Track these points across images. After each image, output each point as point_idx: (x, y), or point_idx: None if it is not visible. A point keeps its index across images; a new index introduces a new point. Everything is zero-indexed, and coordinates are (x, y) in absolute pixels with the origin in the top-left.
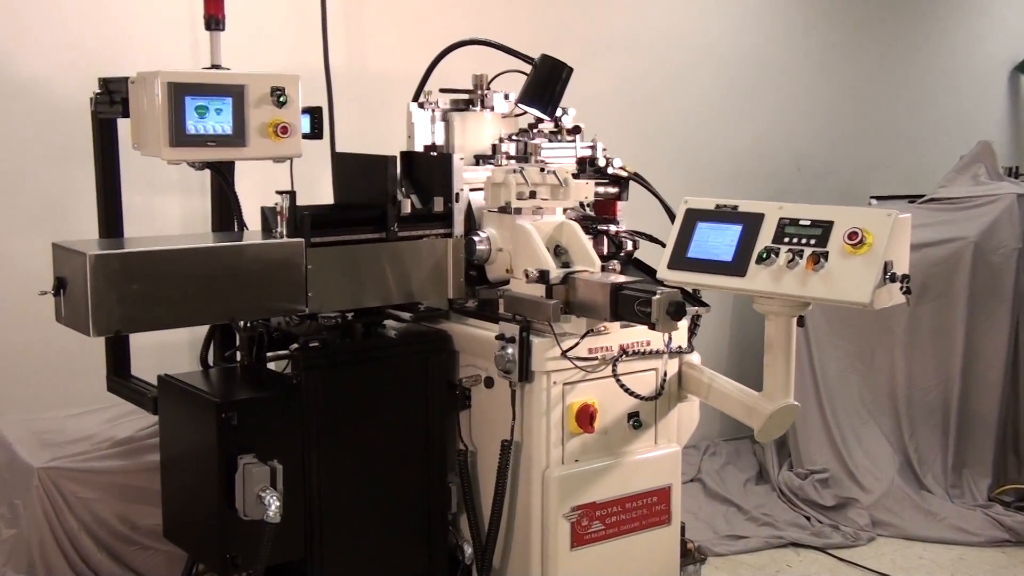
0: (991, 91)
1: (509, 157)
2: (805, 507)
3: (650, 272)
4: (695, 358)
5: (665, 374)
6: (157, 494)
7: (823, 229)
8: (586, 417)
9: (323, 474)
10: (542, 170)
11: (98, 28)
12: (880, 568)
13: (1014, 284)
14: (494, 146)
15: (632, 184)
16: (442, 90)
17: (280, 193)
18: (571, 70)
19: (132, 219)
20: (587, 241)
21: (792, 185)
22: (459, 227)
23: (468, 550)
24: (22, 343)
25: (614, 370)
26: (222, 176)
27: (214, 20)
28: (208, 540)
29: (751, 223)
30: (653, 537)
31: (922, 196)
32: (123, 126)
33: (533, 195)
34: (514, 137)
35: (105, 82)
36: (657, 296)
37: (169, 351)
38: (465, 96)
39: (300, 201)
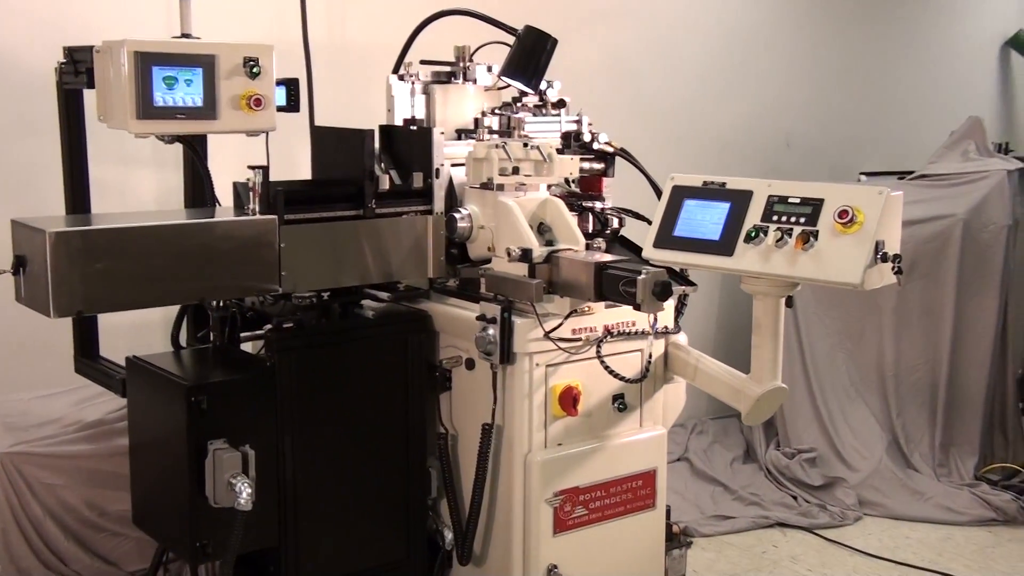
0: (981, 67)
1: (492, 131)
2: (792, 486)
3: (636, 250)
4: (682, 338)
5: (651, 356)
6: (127, 479)
7: (813, 207)
8: (569, 400)
9: (297, 460)
10: (525, 145)
11: None
12: (867, 548)
13: (1003, 262)
14: (476, 120)
15: (618, 160)
16: (423, 62)
17: (252, 168)
18: (556, 42)
19: (104, 194)
20: (572, 219)
21: (781, 161)
22: (439, 204)
23: (448, 536)
24: None
25: (598, 351)
26: (193, 150)
27: None
28: (178, 528)
29: (739, 201)
30: (638, 522)
31: (912, 172)
32: (90, 97)
33: (516, 171)
34: (497, 111)
35: (70, 51)
36: (643, 276)
37: (143, 330)
38: (447, 68)
39: (279, 177)
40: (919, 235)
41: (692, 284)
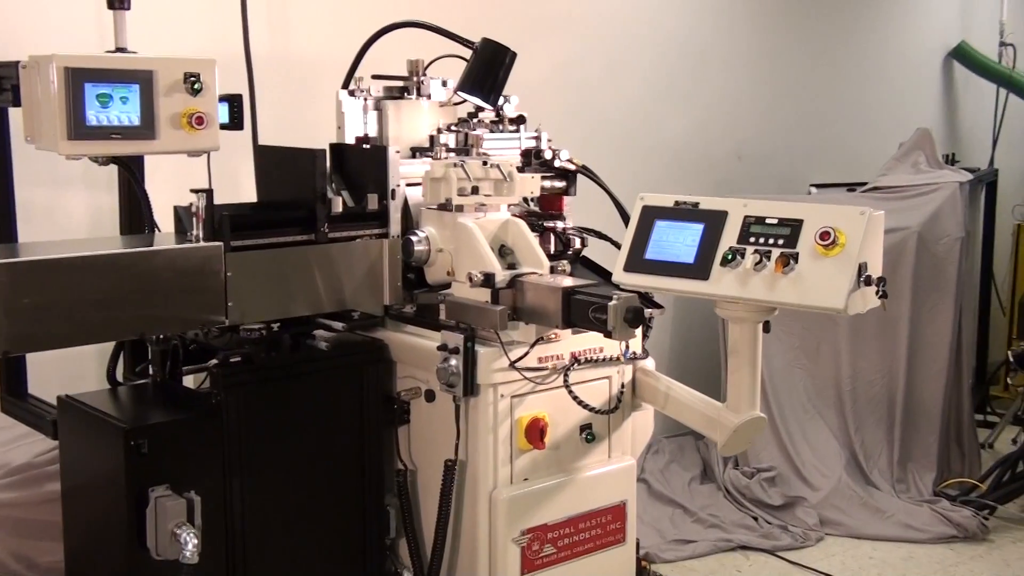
0: (926, 78)
1: (449, 149)
2: (752, 507)
3: (600, 272)
4: (649, 364)
5: (623, 385)
6: (58, 528)
7: (792, 228)
8: (536, 432)
9: (247, 505)
10: (485, 163)
11: None
12: (831, 570)
13: (957, 274)
14: (432, 137)
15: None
16: (374, 76)
17: (195, 191)
18: (515, 55)
19: (30, 219)
20: (534, 240)
21: (733, 174)
22: (395, 226)
23: None
24: None
25: (566, 380)
26: (130, 172)
27: None
28: None
29: (713, 222)
30: (608, 558)
31: (861, 184)
32: (16, 116)
33: (476, 191)
34: (453, 127)
35: None
36: (614, 302)
37: (75, 364)
38: (399, 83)
39: (219, 199)
40: None
41: (659, 306)
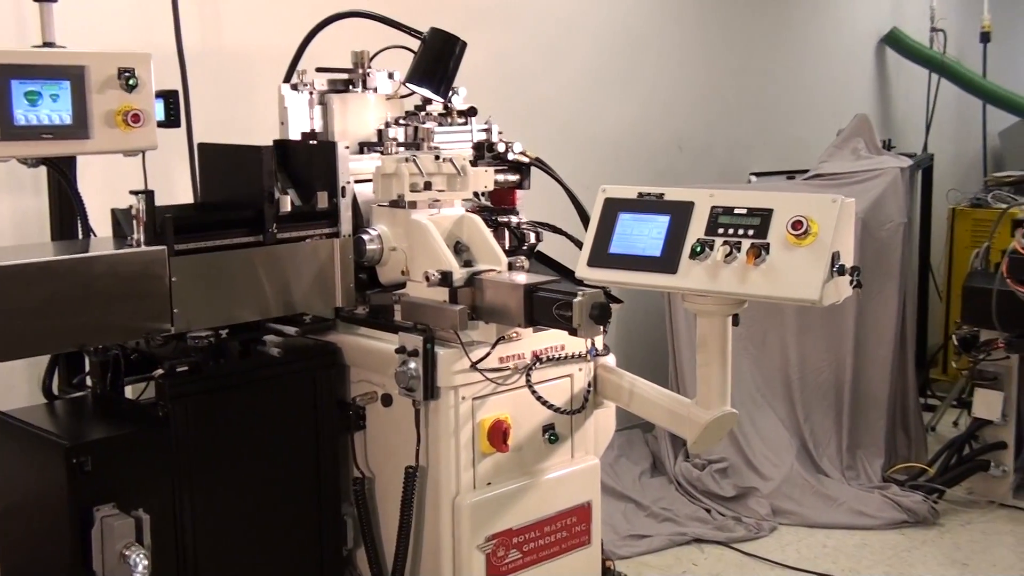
0: (860, 64)
1: (399, 144)
2: (705, 499)
3: (556, 267)
4: (610, 360)
5: (589, 384)
6: None
7: (761, 218)
8: (499, 435)
9: (199, 521)
10: (437, 157)
11: None
12: (786, 560)
13: (901, 259)
14: (380, 131)
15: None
16: (318, 69)
17: (135, 193)
18: (465, 44)
19: None
20: (491, 236)
21: (674, 164)
22: (346, 225)
23: None
24: None
25: (528, 380)
26: (61, 174)
27: None
28: None
29: (679, 213)
30: (574, 560)
31: (800, 171)
32: None
33: (428, 186)
34: (402, 121)
35: None
36: (579, 298)
37: (6, 376)
38: (344, 76)
39: (157, 201)
40: None
41: (618, 300)
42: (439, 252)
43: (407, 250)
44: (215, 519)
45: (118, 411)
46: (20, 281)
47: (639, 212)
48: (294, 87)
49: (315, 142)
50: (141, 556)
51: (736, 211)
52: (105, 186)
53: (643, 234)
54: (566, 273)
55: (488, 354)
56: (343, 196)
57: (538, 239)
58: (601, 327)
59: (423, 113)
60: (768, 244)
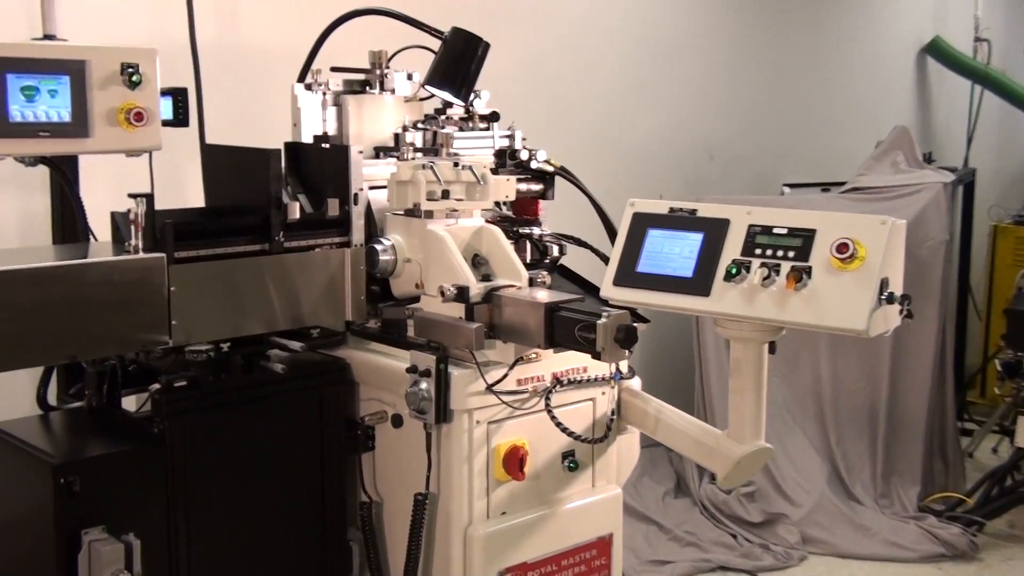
0: (899, 75)
1: (416, 149)
2: (731, 524)
3: (582, 283)
4: (635, 384)
5: (613, 411)
6: None
7: (803, 239)
8: (515, 462)
9: (194, 547)
10: (456, 164)
11: None
12: None
13: (942, 278)
14: (397, 136)
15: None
16: (333, 69)
17: (134, 196)
18: (488, 46)
19: None
20: (511, 249)
21: (705, 174)
22: (358, 234)
23: None
24: None
25: (547, 405)
26: (61, 174)
27: None
28: None
29: (714, 231)
30: None
31: (836, 183)
32: None
33: (446, 195)
34: (420, 125)
35: None
36: (603, 320)
37: (4, 384)
38: (361, 76)
39: (163, 204)
40: None
41: (645, 320)
42: (456, 265)
43: (422, 262)
44: (212, 545)
45: (113, 426)
46: (9, 287)
47: (670, 229)
48: (308, 87)
49: (327, 145)
50: None
51: (775, 231)
52: (113, 188)
53: (674, 252)
54: (591, 289)
55: (505, 376)
56: (355, 203)
57: (561, 252)
58: (626, 351)
59: (443, 117)
60: (810, 267)
